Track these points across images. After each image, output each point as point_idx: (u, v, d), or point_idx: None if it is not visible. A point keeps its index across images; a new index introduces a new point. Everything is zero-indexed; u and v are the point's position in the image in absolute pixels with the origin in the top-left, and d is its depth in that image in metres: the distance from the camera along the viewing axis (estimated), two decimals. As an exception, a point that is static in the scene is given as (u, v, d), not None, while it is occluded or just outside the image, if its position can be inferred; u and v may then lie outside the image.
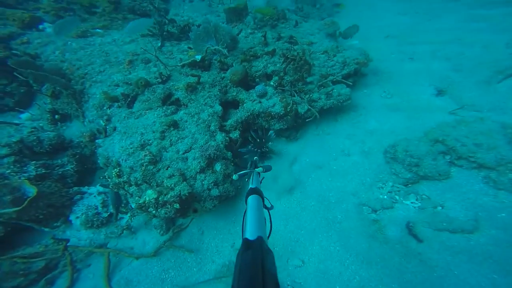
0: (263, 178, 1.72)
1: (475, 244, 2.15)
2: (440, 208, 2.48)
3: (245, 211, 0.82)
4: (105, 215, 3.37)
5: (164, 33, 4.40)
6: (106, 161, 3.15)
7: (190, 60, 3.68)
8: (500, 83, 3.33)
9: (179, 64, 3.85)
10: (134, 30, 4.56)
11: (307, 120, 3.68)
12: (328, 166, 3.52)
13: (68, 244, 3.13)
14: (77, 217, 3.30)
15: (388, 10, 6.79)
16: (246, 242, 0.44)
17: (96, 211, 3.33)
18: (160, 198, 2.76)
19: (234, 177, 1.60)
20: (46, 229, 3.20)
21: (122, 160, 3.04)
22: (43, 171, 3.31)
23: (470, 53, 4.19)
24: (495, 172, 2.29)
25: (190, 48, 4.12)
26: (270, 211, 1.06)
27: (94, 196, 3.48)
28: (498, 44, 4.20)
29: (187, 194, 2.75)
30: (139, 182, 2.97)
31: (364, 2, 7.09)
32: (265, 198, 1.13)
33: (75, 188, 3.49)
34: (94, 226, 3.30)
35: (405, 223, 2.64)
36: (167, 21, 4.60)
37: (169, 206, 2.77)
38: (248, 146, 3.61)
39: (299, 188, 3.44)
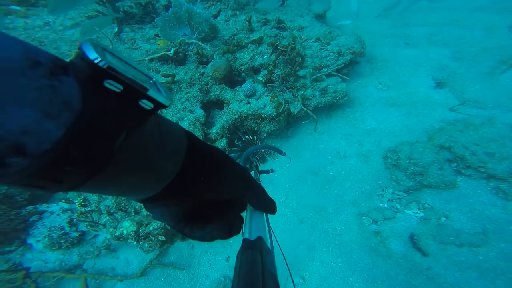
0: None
1: (484, 259, 2.09)
2: (445, 219, 2.39)
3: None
4: (75, 234, 2.92)
5: (121, 13, 3.53)
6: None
7: (160, 54, 3.02)
8: (503, 74, 3.14)
9: (146, 58, 3.17)
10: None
11: (304, 122, 3.32)
12: (325, 171, 3.28)
13: (30, 271, 2.69)
14: (38, 241, 2.83)
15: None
16: (246, 242, 0.40)
17: (63, 231, 2.86)
18: (141, 230, 2.36)
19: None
20: (-6, 256, 2.74)
21: (87, 187, 2.52)
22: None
23: (470, 37, 3.90)
24: (506, 183, 2.19)
25: (157, 36, 3.39)
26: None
27: (58, 215, 2.97)
28: (500, 27, 3.87)
29: (172, 224, 2.37)
30: (112, 211, 2.52)
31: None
32: None
33: (29, 208, 2.93)
34: (63, 247, 2.86)
35: (408, 235, 2.54)
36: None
37: (153, 238, 2.39)
38: (238, 143, 3.24)
39: (295, 197, 3.21)
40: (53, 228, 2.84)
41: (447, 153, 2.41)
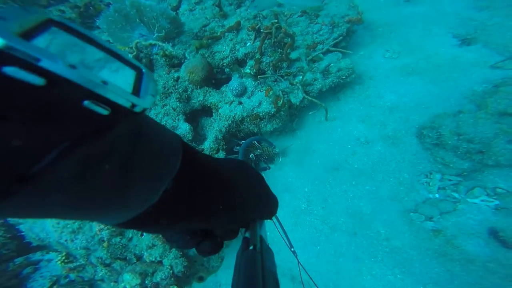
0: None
1: None
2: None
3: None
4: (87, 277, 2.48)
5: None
6: (41, 243, 2.07)
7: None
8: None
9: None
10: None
11: (310, 113, 2.74)
12: (347, 164, 2.71)
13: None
14: (41, 292, 2.42)
15: None
16: (246, 241, 0.40)
17: (68, 279, 2.47)
18: (147, 281, 1.81)
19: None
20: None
21: (66, 241, 1.95)
22: None
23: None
24: None
25: (109, 42, 2.76)
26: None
27: (57, 262, 2.57)
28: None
29: (183, 270, 1.81)
30: (107, 262, 1.95)
31: None
32: None
33: (19, 259, 2.55)
34: (75, 293, 2.40)
35: (486, 230, 1.98)
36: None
37: (164, 288, 1.83)
38: (237, 149, 2.65)
39: (318, 201, 2.65)
40: (55, 278, 2.42)
41: (513, 120, 1.87)
